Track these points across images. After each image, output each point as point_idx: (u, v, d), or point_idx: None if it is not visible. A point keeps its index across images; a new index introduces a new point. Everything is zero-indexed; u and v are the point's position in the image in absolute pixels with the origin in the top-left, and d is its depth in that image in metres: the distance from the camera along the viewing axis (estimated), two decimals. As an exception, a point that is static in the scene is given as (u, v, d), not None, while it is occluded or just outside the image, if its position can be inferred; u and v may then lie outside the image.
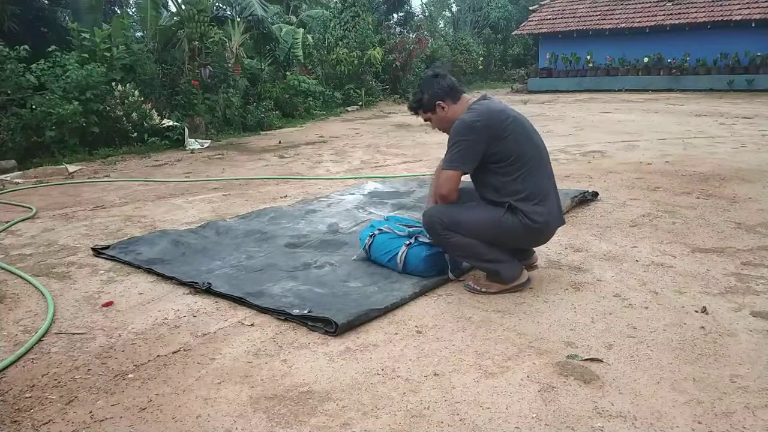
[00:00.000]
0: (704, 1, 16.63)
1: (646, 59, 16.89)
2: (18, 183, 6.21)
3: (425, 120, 2.92)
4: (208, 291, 2.90)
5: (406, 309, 2.63)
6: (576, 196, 4.39)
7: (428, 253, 2.95)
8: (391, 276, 2.98)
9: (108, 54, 8.58)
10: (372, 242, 3.18)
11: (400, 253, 2.99)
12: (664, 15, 16.96)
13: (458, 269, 3.01)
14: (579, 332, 2.39)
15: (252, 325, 2.57)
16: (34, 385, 2.12)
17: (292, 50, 14.25)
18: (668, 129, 8.60)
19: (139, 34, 10.85)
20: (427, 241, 2.97)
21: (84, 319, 2.68)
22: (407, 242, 3.01)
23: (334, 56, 14.35)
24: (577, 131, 8.79)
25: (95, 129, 7.81)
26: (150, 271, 3.25)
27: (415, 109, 2.91)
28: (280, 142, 8.92)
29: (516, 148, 2.67)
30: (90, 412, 1.94)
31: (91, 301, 2.90)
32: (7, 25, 9.18)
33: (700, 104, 12.36)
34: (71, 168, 6.81)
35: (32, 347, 2.41)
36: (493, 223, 2.71)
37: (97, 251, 3.63)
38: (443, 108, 2.80)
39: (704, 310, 2.54)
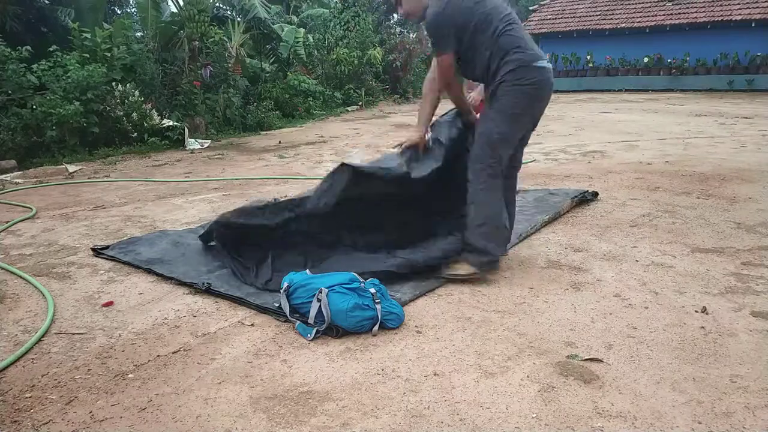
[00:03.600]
0: (704, 1, 16.64)
1: (646, 59, 16.89)
2: (18, 183, 6.21)
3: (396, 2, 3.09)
4: (208, 291, 2.90)
5: (406, 309, 2.63)
6: (576, 196, 4.39)
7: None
8: (390, 277, 2.97)
9: (108, 54, 8.58)
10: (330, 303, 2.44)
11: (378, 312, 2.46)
12: (664, 15, 16.97)
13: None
14: (579, 332, 2.39)
15: (252, 325, 2.57)
16: (34, 385, 2.12)
17: (293, 49, 14.26)
18: (668, 129, 8.60)
19: (139, 33, 10.85)
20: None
21: (84, 319, 2.68)
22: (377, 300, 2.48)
23: (334, 56, 14.35)
24: (577, 131, 8.79)
25: (95, 129, 7.81)
26: (150, 272, 3.25)
27: None
28: (280, 142, 8.92)
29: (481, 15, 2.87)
30: (90, 412, 1.94)
31: (91, 301, 2.90)
32: (9, 25, 9.18)
33: (700, 104, 12.36)
34: (71, 168, 6.81)
35: (32, 347, 2.41)
36: (510, 104, 2.85)
37: (97, 251, 3.63)
38: None
39: (704, 310, 2.54)
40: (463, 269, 2.92)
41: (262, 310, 2.69)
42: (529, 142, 3.22)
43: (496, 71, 2.87)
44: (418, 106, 3.36)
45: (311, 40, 14.89)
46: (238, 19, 11.48)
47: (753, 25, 15.30)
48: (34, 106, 7.33)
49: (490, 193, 2.91)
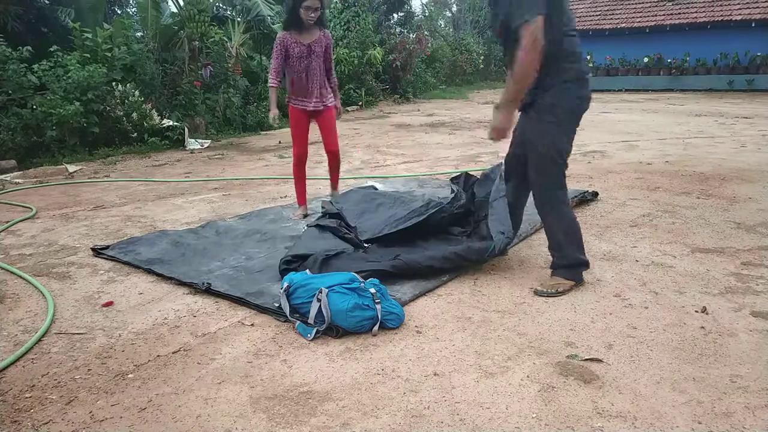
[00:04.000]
0: (704, 1, 16.64)
1: (646, 59, 16.89)
2: (18, 183, 6.21)
3: None
4: (208, 291, 2.90)
5: (406, 309, 2.63)
6: (576, 196, 4.38)
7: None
8: (390, 278, 2.97)
9: (109, 54, 8.57)
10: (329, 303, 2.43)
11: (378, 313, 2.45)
12: (664, 15, 16.97)
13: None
14: (579, 332, 2.39)
15: (252, 325, 2.57)
16: (34, 385, 2.12)
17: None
18: (668, 129, 8.60)
19: (139, 33, 10.85)
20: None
21: (84, 319, 2.68)
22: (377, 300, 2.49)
23: (334, 56, 14.33)
24: (578, 131, 8.78)
25: (95, 129, 7.81)
26: (150, 272, 3.25)
27: None
28: (280, 142, 8.92)
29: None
30: (90, 412, 1.94)
31: (91, 301, 2.90)
32: (10, 25, 9.18)
33: (700, 104, 12.36)
34: (71, 168, 6.81)
35: (32, 347, 2.41)
36: (565, 117, 2.85)
37: (97, 251, 3.63)
38: None
39: (704, 310, 2.54)
40: (561, 285, 2.82)
41: (262, 310, 2.69)
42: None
43: (548, 72, 2.62)
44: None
45: (311, 40, 14.88)
46: (238, 19, 11.47)
47: (753, 25, 15.30)
48: (35, 106, 7.33)
49: (560, 208, 2.83)
